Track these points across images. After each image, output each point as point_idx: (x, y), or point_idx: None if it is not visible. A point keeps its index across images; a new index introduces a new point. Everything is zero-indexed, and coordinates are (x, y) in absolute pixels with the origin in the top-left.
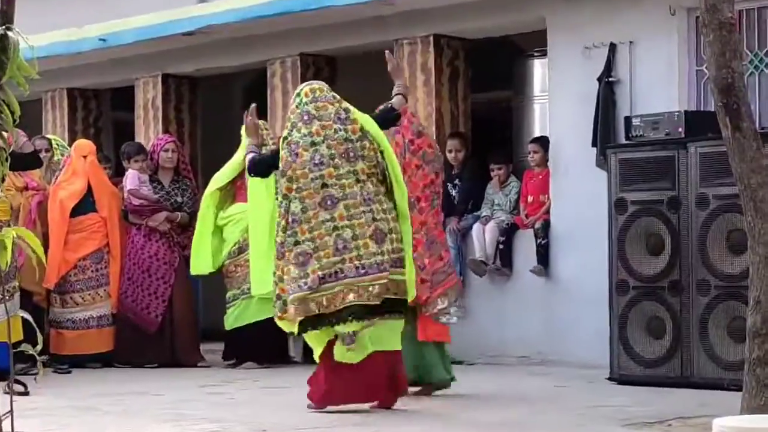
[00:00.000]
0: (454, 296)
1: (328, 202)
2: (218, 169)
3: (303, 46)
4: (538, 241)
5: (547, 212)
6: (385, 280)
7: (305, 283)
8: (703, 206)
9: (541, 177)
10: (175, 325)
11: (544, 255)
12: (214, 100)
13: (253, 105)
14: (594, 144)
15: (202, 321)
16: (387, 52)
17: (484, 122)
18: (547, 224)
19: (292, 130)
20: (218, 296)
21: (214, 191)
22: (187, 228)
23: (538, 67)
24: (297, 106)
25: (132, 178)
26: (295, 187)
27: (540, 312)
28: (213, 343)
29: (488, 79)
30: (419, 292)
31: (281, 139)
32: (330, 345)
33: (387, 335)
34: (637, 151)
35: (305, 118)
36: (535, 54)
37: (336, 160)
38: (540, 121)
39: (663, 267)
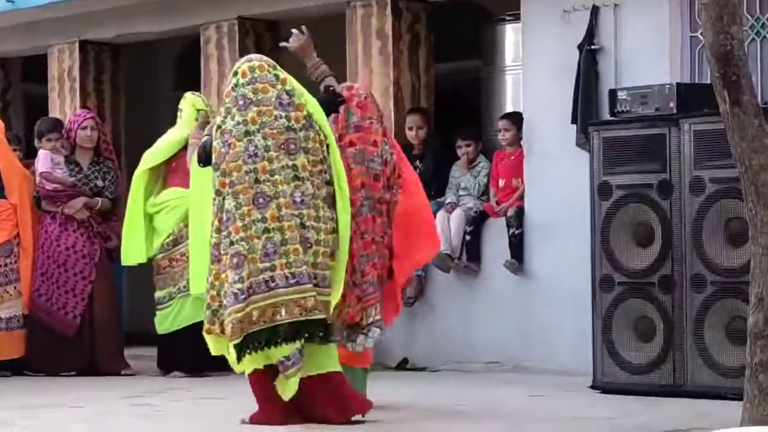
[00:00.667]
0: (372, 317)
1: (260, 200)
2: (144, 149)
3: (241, 9)
4: (511, 231)
5: (521, 198)
6: (314, 293)
7: (241, 291)
8: (698, 191)
9: (513, 158)
10: (96, 328)
11: (517, 247)
12: (140, 70)
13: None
14: (574, 121)
15: (127, 323)
16: (296, 30)
17: (449, 96)
18: (520, 212)
19: (226, 117)
20: (145, 294)
21: (145, 171)
22: (108, 216)
23: (511, 33)
24: (233, 88)
25: (44, 159)
26: (228, 181)
27: (513, 312)
28: (139, 347)
29: (453, 47)
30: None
31: (215, 128)
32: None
33: (322, 357)
34: (623, 128)
35: (240, 103)
36: (507, 18)
37: (272, 152)
38: (512, 95)
39: (652, 260)
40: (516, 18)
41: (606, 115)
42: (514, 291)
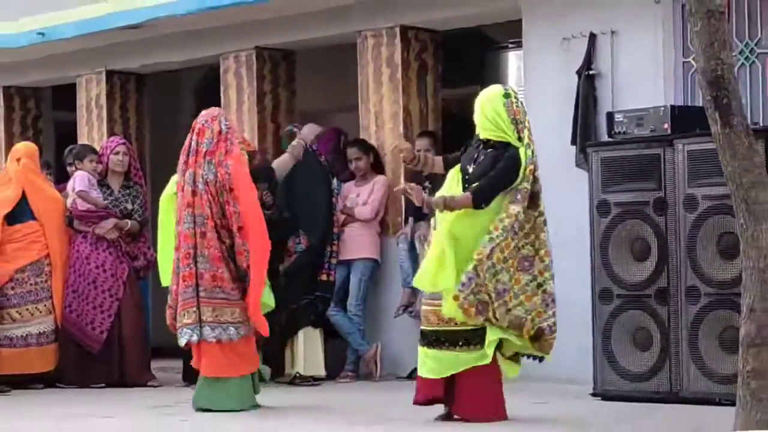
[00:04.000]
0: (182, 320)
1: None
2: (166, 174)
3: (258, 39)
4: None
5: None
6: None
7: (555, 323)
8: (691, 208)
9: None
10: (124, 342)
11: None
12: (163, 98)
13: None
14: (573, 142)
15: (153, 337)
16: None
17: (455, 120)
18: None
19: (530, 144)
20: None
21: (174, 194)
22: (136, 237)
23: (513, 60)
24: (524, 109)
25: (81, 179)
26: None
27: None
28: (164, 360)
29: (459, 74)
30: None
31: (529, 149)
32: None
33: None
34: (620, 149)
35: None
36: (510, 46)
37: None
38: None
39: (649, 273)
40: (518, 45)
41: (604, 137)
42: None
